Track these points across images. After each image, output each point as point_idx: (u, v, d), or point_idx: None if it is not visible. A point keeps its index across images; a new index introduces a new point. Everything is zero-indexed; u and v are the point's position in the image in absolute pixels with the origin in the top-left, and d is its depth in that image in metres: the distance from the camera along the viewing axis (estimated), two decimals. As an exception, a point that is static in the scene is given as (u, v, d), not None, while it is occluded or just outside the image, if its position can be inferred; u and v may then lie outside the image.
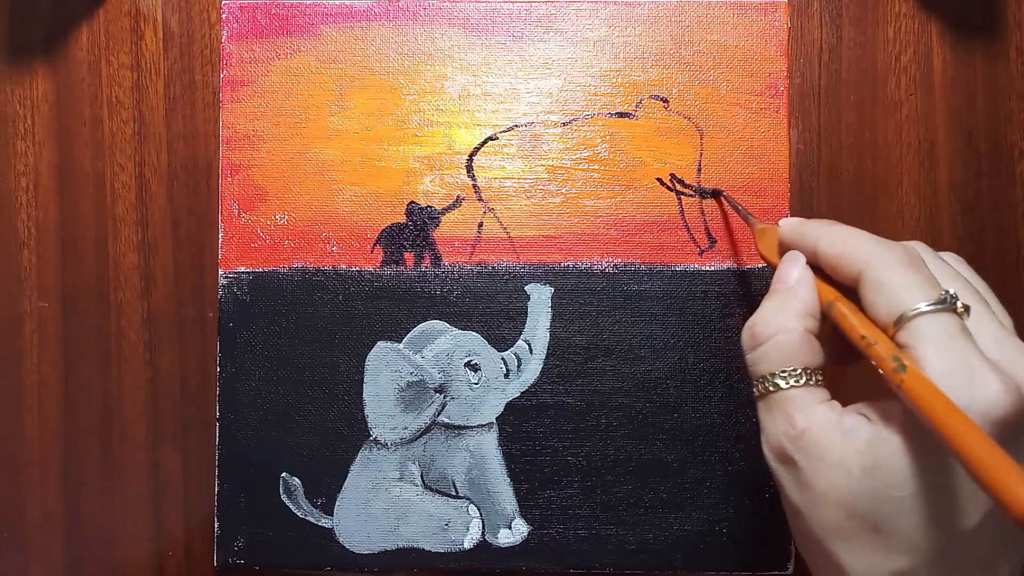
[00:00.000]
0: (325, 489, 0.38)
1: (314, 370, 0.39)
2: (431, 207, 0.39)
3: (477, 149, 0.39)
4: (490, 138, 0.39)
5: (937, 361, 0.24)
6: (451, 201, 0.39)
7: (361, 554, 0.38)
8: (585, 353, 0.39)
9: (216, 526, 0.38)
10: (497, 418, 0.39)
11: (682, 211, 0.39)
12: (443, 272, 0.39)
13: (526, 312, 0.39)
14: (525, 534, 0.38)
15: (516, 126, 0.39)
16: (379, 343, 0.39)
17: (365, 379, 0.39)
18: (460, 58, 0.39)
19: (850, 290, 0.27)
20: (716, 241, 0.39)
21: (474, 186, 0.39)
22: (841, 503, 0.25)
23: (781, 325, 0.27)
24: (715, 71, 0.39)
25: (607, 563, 0.38)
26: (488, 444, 0.39)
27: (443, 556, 0.38)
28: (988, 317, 0.26)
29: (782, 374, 0.27)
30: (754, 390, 0.28)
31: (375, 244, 0.39)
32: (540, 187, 0.39)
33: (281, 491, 0.38)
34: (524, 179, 0.39)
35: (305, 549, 0.38)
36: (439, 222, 0.39)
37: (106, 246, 0.40)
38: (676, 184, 0.39)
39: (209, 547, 0.39)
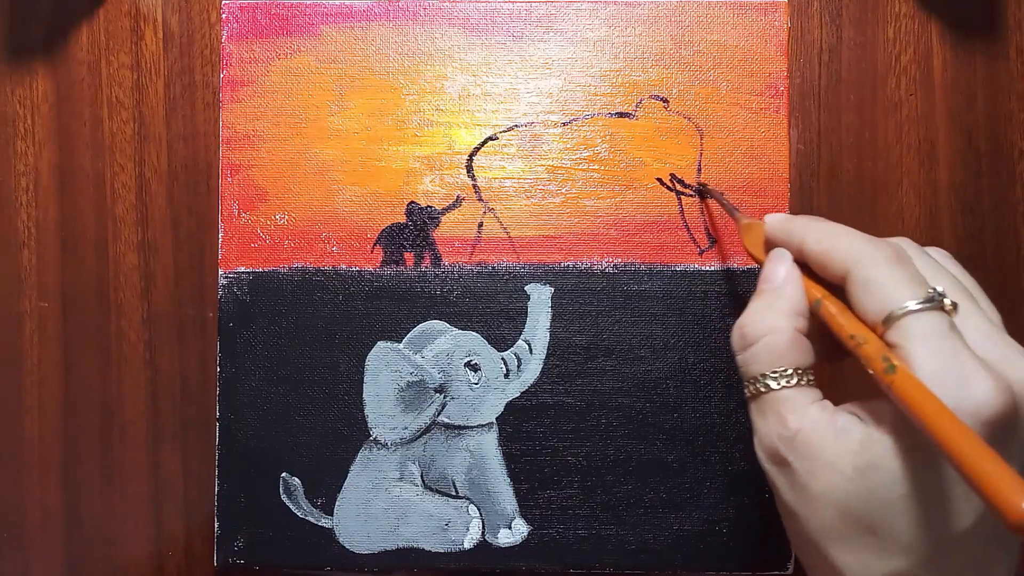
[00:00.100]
0: (325, 489, 0.38)
1: (314, 370, 0.39)
2: (431, 207, 0.39)
3: (477, 149, 0.39)
4: (490, 138, 0.39)
5: (927, 361, 0.23)
6: (451, 201, 0.39)
7: (361, 554, 0.38)
8: (585, 353, 0.39)
9: (216, 526, 0.38)
10: (497, 418, 0.39)
11: (682, 211, 0.39)
12: (443, 272, 0.39)
13: (526, 312, 0.39)
14: (525, 534, 0.38)
15: (516, 126, 0.39)
16: (379, 343, 0.39)
17: (365, 379, 0.39)
18: (460, 58, 0.39)
19: (837, 287, 0.27)
20: (716, 241, 0.39)
21: (474, 186, 0.39)
22: (835, 504, 0.25)
23: (770, 325, 0.27)
24: (715, 71, 0.39)
25: (607, 563, 0.38)
26: (488, 444, 0.39)
27: (443, 556, 0.38)
28: (976, 313, 0.26)
29: (773, 375, 0.27)
30: (745, 391, 0.28)
31: (375, 244, 0.39)
32: (540, 187, 0.39)
33: (281, 491, 0.38)
34: (524, 179, 0.39)
35: (305, 549, 0.38)
36: (439, 222, 0.39)
37: (106, 246, 0.40)
38: (676, 184, 0.39)
39: (209, 547, 0.39)
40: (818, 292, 0.27)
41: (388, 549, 0.38)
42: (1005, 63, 0.40)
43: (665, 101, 0.39)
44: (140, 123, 0.40)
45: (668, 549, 0.38)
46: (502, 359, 0.39)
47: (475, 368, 0.39)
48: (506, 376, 0.39)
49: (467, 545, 0.38)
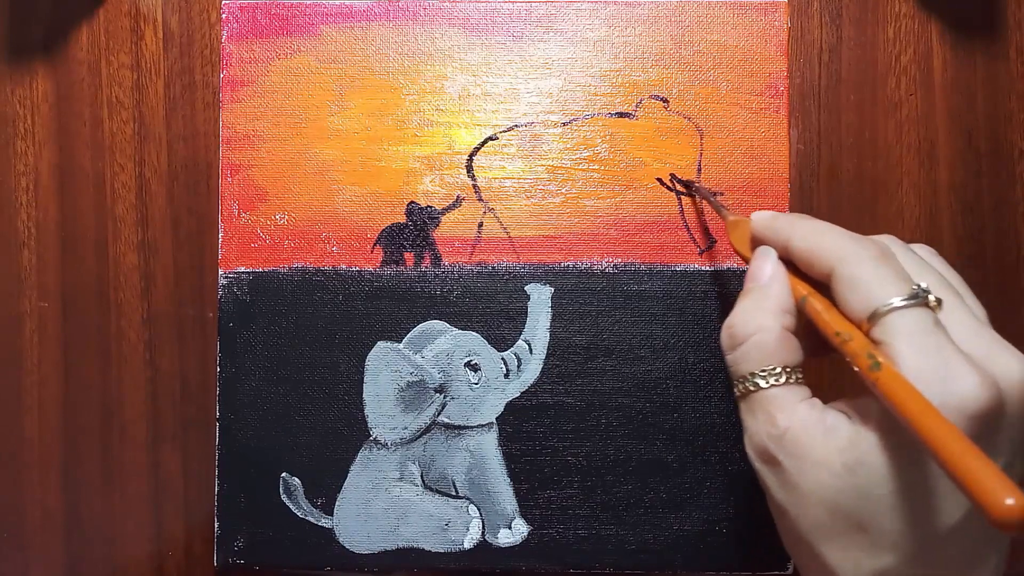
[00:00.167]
0: (325, 489, 0.38)
1: (314, 370, 0.39)
2: (431, 207, 0.39)
3: (477, 149, 0.39)
4: (490, 138, 0.39)
5: (912, 357, 0.24)
6: (451, 201, 0.39)
7: (361, 554, 0.38)
8: (585, 353, 0.39)
9: (216, 526, 0.38)
10: (497, 418, 0.39)
11: (682, 211, 0.39)
12: (443, 272, 0.39)
13: (526, 312, 0.39)
14: (525, 534, 0.38)
15: (516, 126, 0.39)
16: (379, 343, 0.39)
17: (365, 379, 0.39)
18: (460, 58, 0.39)
19: (823, 284, 0.27)
20: (716, 241, 0.39)
21: (474, 186, 0.39)
22: (825, 501, 0.25)
23: (759, 324, 0.27)
24: (715, 71, 0.39)
25: (607, 563, 0.38)
26: (488, 444, 0.39)
27: (443, 556, 0.38)
28: (961, 309, 0.26)
29: (762, 373, 0.27)
30: (735, 390, 0.28)
31: (375, 244, 0.39)
32: (540, 187, 0.39)
33: (281, 491, 0.38)
34: (524, 179, 0.39)
35: (305, 549, 0.38)
36: (439, 222, 0.39)
37: (106, 246, 0.40)
38: (676, 184, 0.39)
39: (209, 547, 0.39)
40: (804, 289, 0.27)
41: (388, 549, 0.38)
42: (1005, 63, 0.40)
43: (665, 101, 0.39)
44: (140, 123, 0.40)
45: (668, 549, 0.38)
46: (502, 359, 0.39)
47: (475, 368, 0.39)
48: (506, 376, 0.39)
49: (467, 545, 0.38)
